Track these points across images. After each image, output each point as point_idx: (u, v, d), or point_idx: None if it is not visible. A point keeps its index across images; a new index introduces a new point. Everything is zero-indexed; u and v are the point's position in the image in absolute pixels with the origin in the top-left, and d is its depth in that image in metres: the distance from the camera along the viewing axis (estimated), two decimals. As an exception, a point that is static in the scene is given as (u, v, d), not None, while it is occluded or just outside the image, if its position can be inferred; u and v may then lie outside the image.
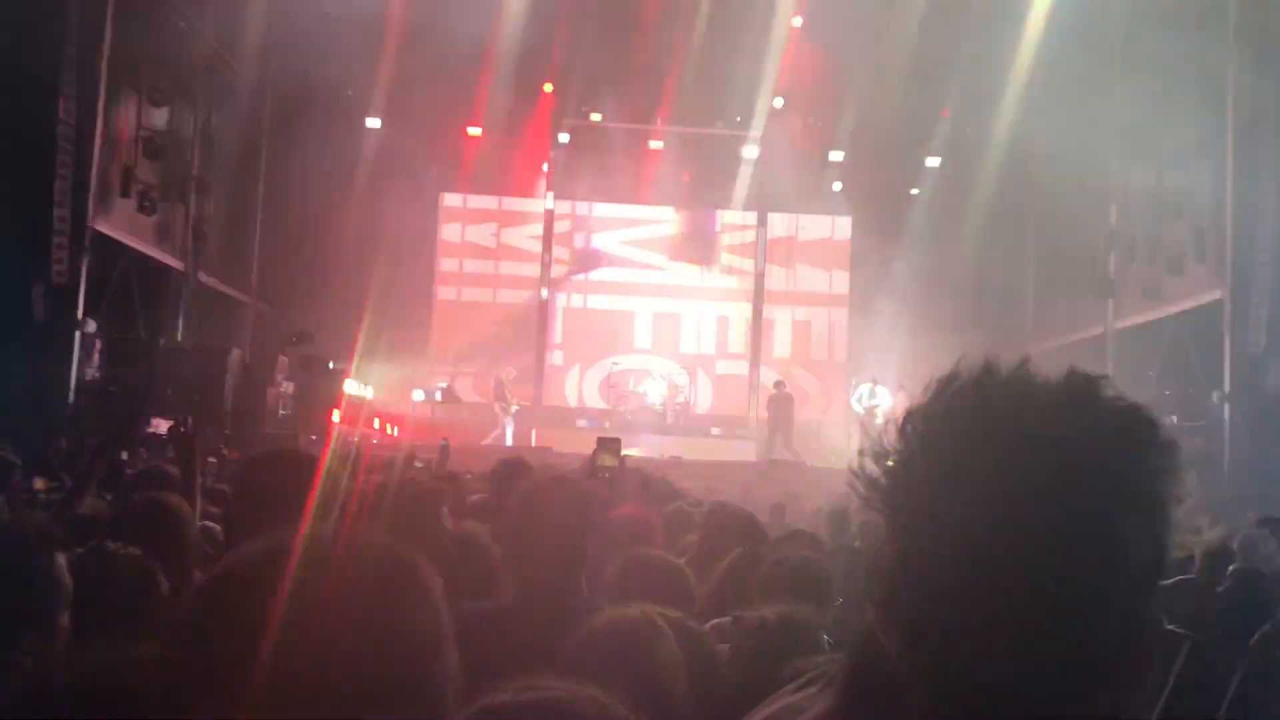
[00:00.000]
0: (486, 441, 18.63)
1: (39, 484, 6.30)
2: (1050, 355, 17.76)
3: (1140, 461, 0.91)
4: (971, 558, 0.88)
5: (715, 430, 21.41)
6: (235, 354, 16.88)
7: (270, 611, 0.96)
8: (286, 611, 0.96)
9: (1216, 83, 15.20)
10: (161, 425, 11.25)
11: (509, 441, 18.81)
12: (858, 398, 19.06)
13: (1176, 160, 16.82)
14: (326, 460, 2.29)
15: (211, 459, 9.90)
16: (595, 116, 21.97)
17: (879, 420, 17.99)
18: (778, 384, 19.73)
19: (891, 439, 0.95)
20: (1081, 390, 0.93)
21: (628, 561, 3.22)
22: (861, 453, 0.96)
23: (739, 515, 4.42)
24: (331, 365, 17.33)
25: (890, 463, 0.95)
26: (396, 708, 0.98)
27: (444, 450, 9.13)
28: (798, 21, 20.11)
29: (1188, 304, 16.12)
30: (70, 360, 14.12)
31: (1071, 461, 0.89)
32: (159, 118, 16.76)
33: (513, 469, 5.15)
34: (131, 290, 16.29)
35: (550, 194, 22.86)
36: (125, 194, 15.65)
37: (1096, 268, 18.92)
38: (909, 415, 0.95)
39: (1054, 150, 20.43)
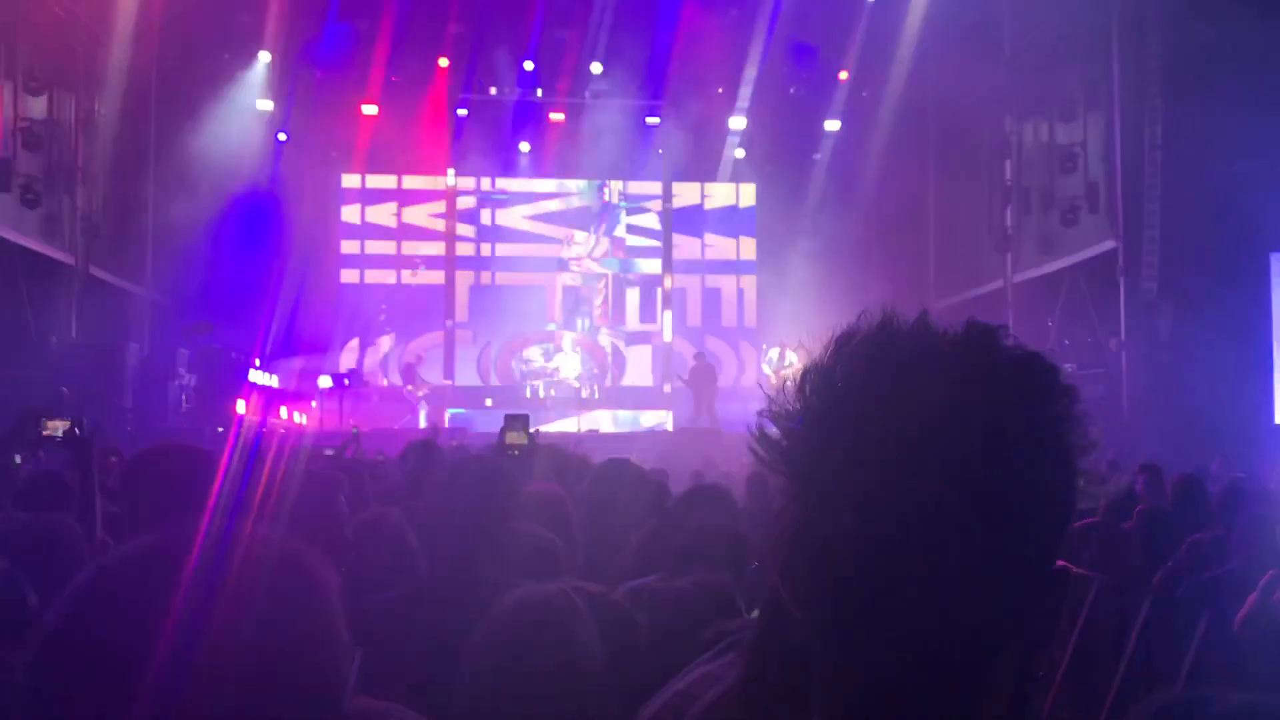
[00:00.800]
0: (398, 426, 18.44)
1: None
2: (952, 310, 18.17)
3: (1042, 408, 0.90)
4: (874, 514, 0.86)
5: (628, 404, 21.45)
6: (132, 348, 16.40)
7: (149, 614, 0.91)
8: (167, 613, 0.91)
9: (1102, 35, 15.56)
10: (58, 427, 10.88)
11: (422, 424, 18.63)
12: (768, 361, 19.26)
13: (1066, 113, 17.22)
14: (230, 453, 2.22)
15: (113, 458, 9.61)
16: (493, 90, 21.70)
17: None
18: (698, 355, 19.84)
19: (790, 398, 0.92)
20: (980, 340, 0.92)
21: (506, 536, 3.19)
22: (760, 413, 0.93)
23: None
24: (234, 355, 16.93)
25: (789, 422, 0.92)
26: (286, 708, 0.93)
27: (355, 438, 9.02)
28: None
29: (1083, 255, 16.54)
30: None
31: (972, 411, 0.87)
32: (36, 106, 16.14)
33: (421, 451, 5.08)
34: (19, 286, 15.71)
35: (451, 171, 22.59)
36: (6, 188, 15.07)
37: (993, 222, 19.30)
38: (806, 372, 0.93)
39: (949, 107, 20.83)
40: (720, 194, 23.53)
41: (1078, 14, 16.22)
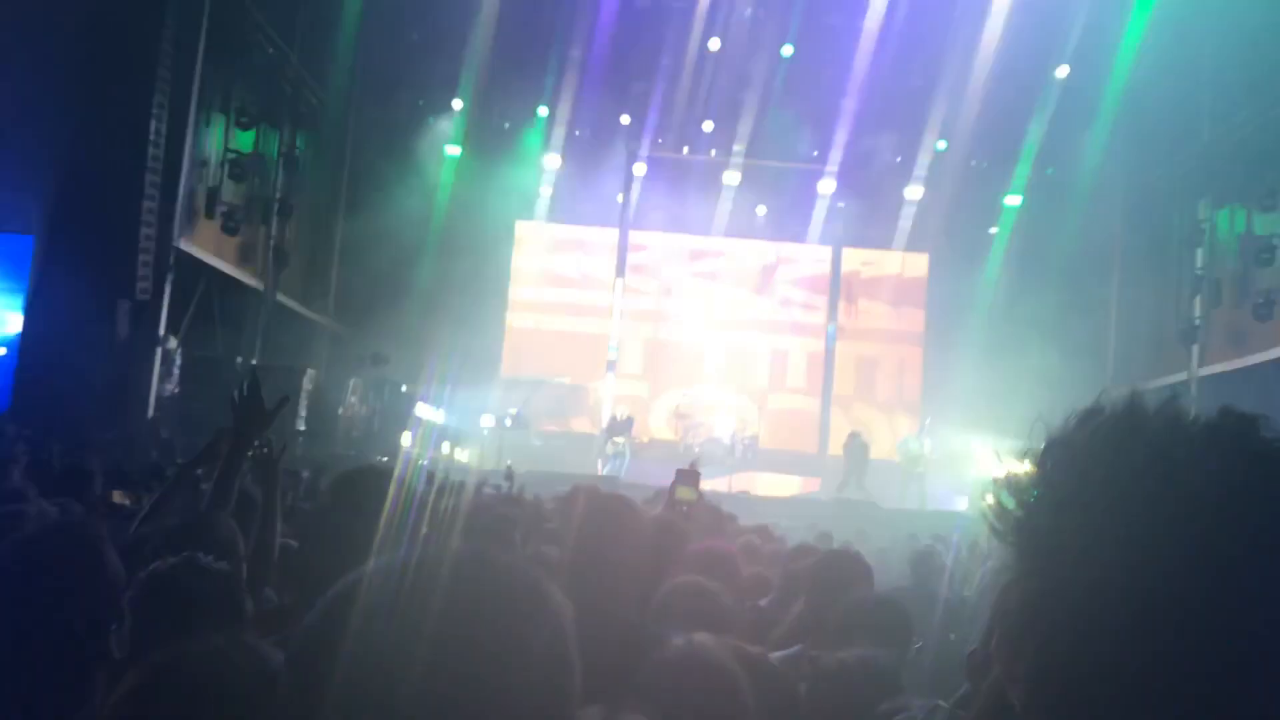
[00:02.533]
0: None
1: (117, 496, 6.34)
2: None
3: None
4: (1113, 601, 0.83)
5: (778, 465, 21.20)
6: (309, 374, 17.11)
7: (401, 631, 0.93)
8: (419, 632, 0.93)
9: None
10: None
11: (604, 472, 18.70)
12: (902, 445, 18.95)
13: (1265, 202, 16.42)
14: (405, 480, 2.27)
15: (288, 476, 10.00)
16: (673, 148, 22.07)
17: (920, 470, 17.99)
18: (853, 434, 19.63)
19: (1029, 472, 0.90)
20: (1238, 429, 0.88)
21: (674, 587, 3.16)
22: (996, 483, 0.91)
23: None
24: (404, 388, 17.49)
25: (1027, 496, 0.90)
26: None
27: (509, 473, 9.15)
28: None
29: (1276, 351, 15.67)
30: (150, 375, 14.41)
31: (1228, 500, 0.83)
32: (245, 140, 17.14)
33: (582, 494, 5.11)
34: (212, 308, 16.61)
35: (625, 225, 22.99)
36: (210, 214, 16.00)
37: (1181, 312, 18.50)
38: (1049, 447, 0.90)
39: (1139, 189, 20.15)
40: (887, 262, 23.25)
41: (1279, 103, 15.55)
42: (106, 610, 2.10)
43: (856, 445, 18.93)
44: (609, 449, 19.98)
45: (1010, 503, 0.91)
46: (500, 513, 3.35)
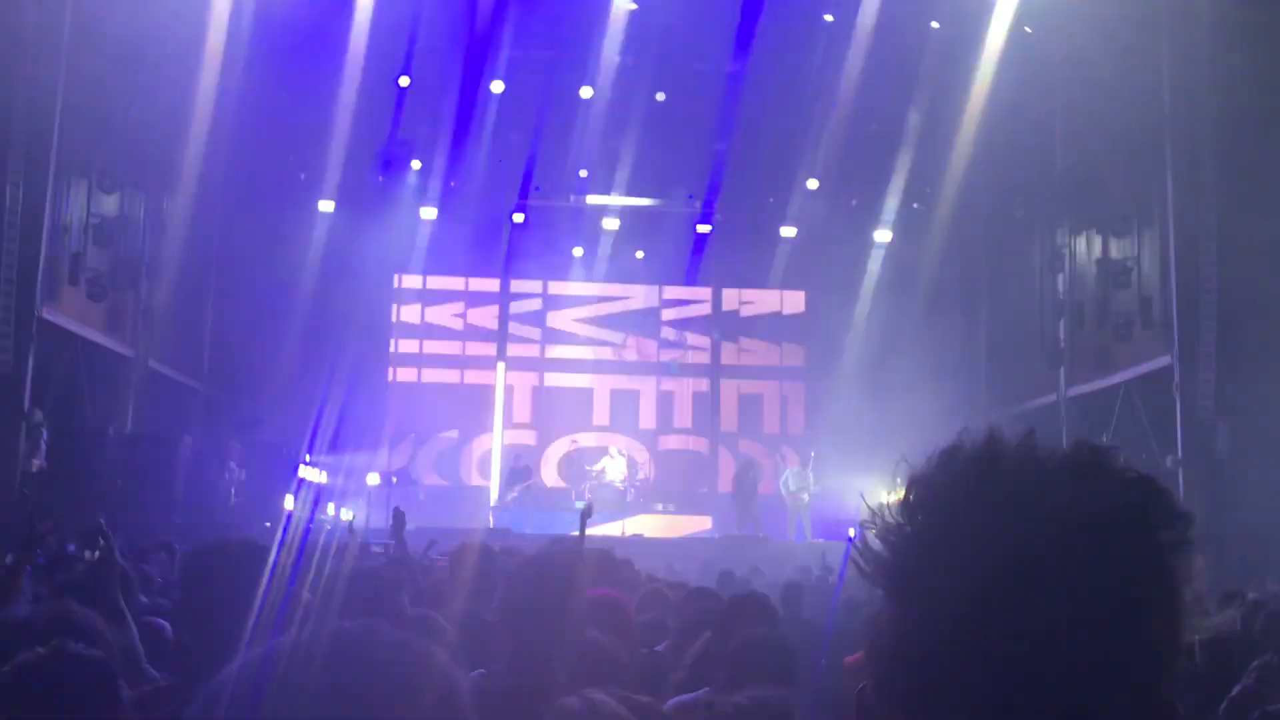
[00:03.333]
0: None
1: None
2: (1006, 423, 18.01)
3: (1152, 534, 0.89)
4: (978, 633, 0.85)
5: (669, 506, 21.26)
6: (186, 441, 16.62)
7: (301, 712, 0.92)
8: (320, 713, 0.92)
9: (1154, 151, 15.61)
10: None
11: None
12: (784, 482, 19.33)
13: (1119, 228, 17.21)
14: (281, 551, 2.23)
15: (162, 552, 9.67)
16: (548, 197, 22.14)
17: (807, 498, 18.34)
18: (742, 469, 19.88)
19: (894, 512, 0.93)
20: (1090, 461, 0.92)
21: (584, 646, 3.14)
22: (863, 525, 0.94)
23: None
24: (284, 450, 17.09)
25: (892, 536, 0.92)
26: None
27: (398, 518, 8.93)
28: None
29: (1138, 370, 16.36)
30: (16, 451, 13.82)
31: (1082, 534, 0.87)
32: (109, 204, 16.67)
33: (471, 553, 5.07)
34: (80, 378, 16.04)
35: (505, 274, 22.96)
36: (74, 281, 15.49)
37: (1046, 336, 19.21)
38: (911, 486, 0.93)
39: (1000, 220, 20.92)
40: (766, 301, 23.64)
41: (1129, 131, 16.33)
42: None
43: (747, 481, 19.17)
44: (509, 498, 19.82)
45: (876, 543, 0.93)
46: (386, 576, 3.30)
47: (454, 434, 22.63)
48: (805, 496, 18.91)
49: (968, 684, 0.86)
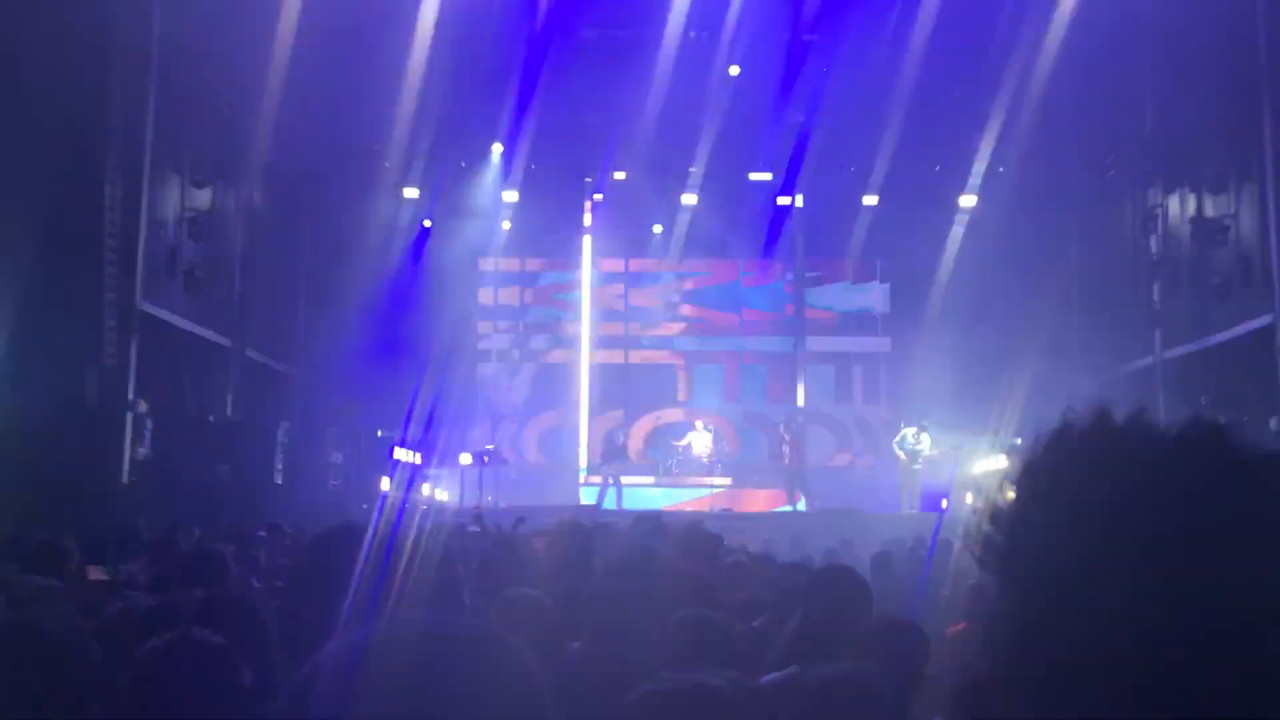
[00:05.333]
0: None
1: (93, 574, 6.17)
2: (1101, 388, 17.59)
3: None
4: (1097, 624, 0.83)
5: (756, 480, 21.22)
6: (284, 427, 17.04)
7: (382, 704, 0.95)
8: (399, 705, 0.95)
9: (1251, 105, 15.09)
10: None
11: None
12: (900, 441, 18.88)
13: (1215, 185, 16.68)
14: (378, 533, 2.29)
15: (262, 533, 9.96)
16: (621, 175, 22.17)
17: (918, 466, 18.06)
18: (785, 426, 19.88)
19: (1006, 497, 0.91)
20: (1210, 437, 0.89)
21: (680, 621, 3.17)
22: (977, 512, 0.93)
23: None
24: (380, 433, 17.45)
25: (1006, 522, 0.91)
26: None
27: (477, 516, 9.22)
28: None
29: (1237, 330, 15.88)
30: (123, 441, 14.31)
31: (1208, 513, 0.84)
32: (202, 199, 17.10)
33: (574, 533, 5.17)
34: (181, 369, 16.52)
35: (588, 253, 23.08)
36: (172, 275, 15.94)
37: (1140, 298, 18.73)
38: (1025, 473, 0.91)
39: (1090, 182, 20.41)
40: (848, 269, 23.41)
41: (1223, 86, 15.81)
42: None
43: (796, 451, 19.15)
44: (601, 476, 19.92)
45: (991, 532, 0.91)
46: (488, 557, 3.39)
47: (542, 413, 22.87)
48: (916, 465, 18.56)
49: (1095, 674, 0.83)
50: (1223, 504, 0.84)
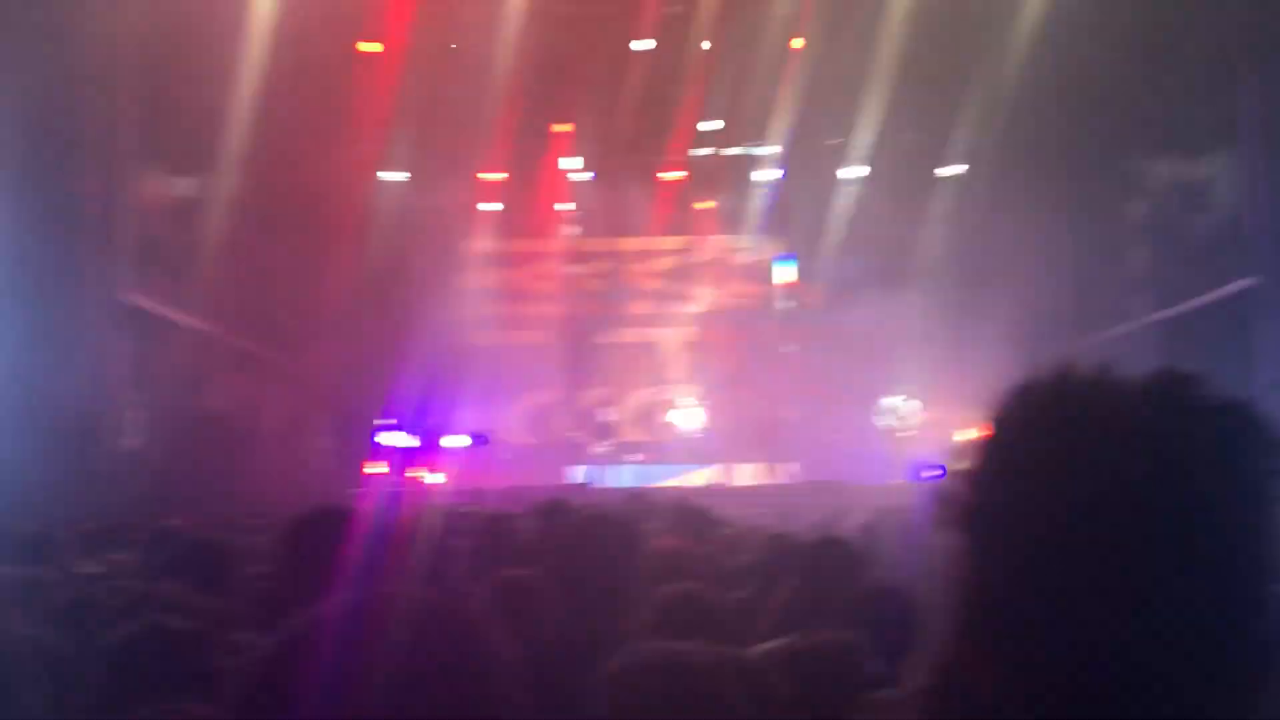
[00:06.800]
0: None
1: (84, 565, 6.12)
2: (1088, 352, 17.64)
3: (1243, 460, 0.85)
4: (1067, 573, 0.83)
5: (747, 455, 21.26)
6: (272, 413, 16.99)
7: (343, 673, 0.95)
8: (359, 673, 0.95)
9: (1232, 68, 15.09)
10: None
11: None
12: (885, 411, 19.00)
13: (1196, 149, 16.70)
14: (363, 514, 2.30)
15: (261, 519, 9.95)
16: (611, 152, 22.10)
17: (906, 435, 18.05)
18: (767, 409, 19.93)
19: (970, 453, 0.91)
20: (1174, 389, 0.89)
21: (666, 597, 3.18)
22: (938, 468, 0.94)
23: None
24: (369, 417, 17.43)
25: (971, 478, 0.91)
26: None
27: (476, 496, 9.28)
28: (799, 43, 20.21)
29: (1220, 293, 15.93)
30: (113, 433, 14.26)
31: (1171, 463, 0.84)
32: (184, 186, 16.99)
33: (554, 508, 5.19)
34: (168, 358, 16.40)
35: (573, 232, 23.03)
36: (156, 264, 15.81)
37: (1127, 262, 18.76)
38: (989, 428, 0.91)
39: (1073, 145, 20.39)
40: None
41: (1204, 49, 15.78)
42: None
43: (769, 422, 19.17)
44: (593, 454, 19.99)
45: (960, 493, 0.91)
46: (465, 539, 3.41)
47: (535, 393, 22.82)
48: (905, 434, 18.59)
49: (1061, 627, 0.84)
50: (1185, 451, 0.84)
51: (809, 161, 21.85)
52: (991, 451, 0.91)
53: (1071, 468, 0.85)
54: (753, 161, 22.03)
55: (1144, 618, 0.82)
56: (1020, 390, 0.92)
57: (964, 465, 0.92)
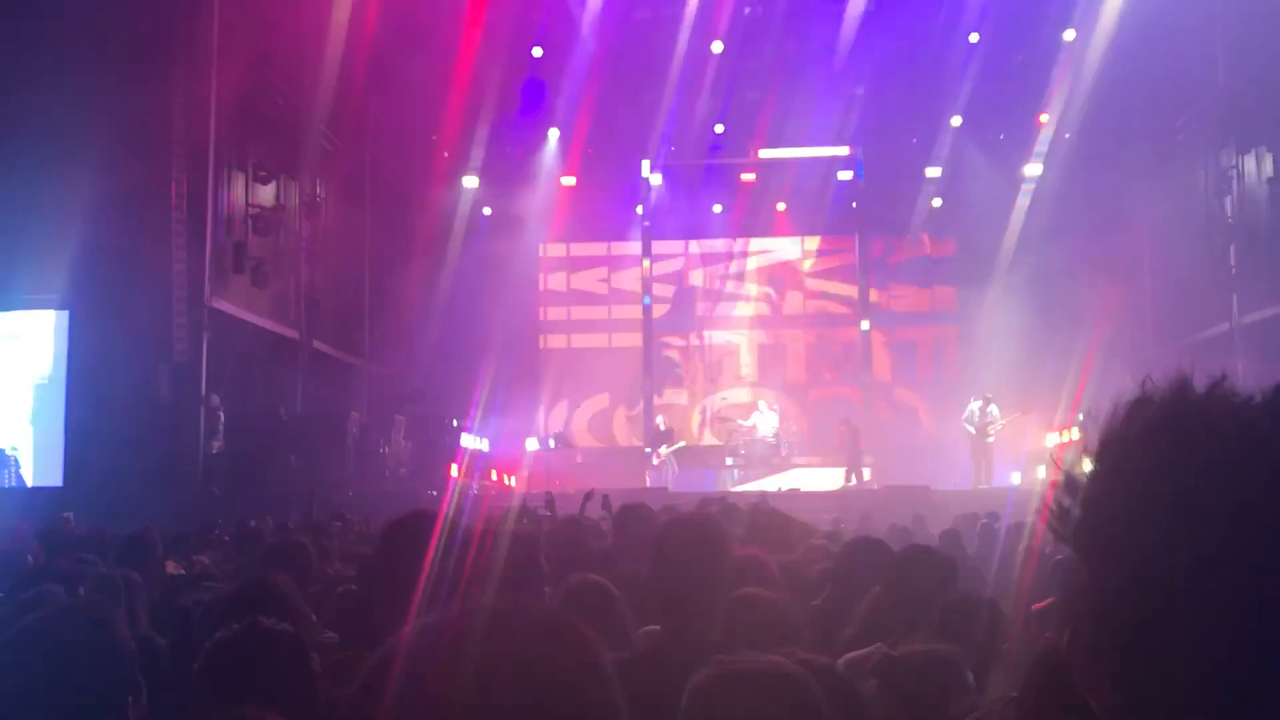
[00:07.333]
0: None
1: (170, 566, 6.26)
2: (1174, 356, 17.20)
3: None
4: (1186, 595, 0.82)
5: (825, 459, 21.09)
6: (353, 417, 17.25)
7: (453, 688, 0.95)
8: (469, 689, 0.95)
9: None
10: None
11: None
12: (969, 416, 18.63)
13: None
14: (448, 519, 2.31)
15: (337, 522, 10.10)
16: (684, 155, 22.13)
17: (991, 439, 17.78)
18: (844, 420, 19.66)
19: (1083, 469, 0.89)
20: None
21: (735, 602, 3.13)
22: (1054, 485, 0.91)
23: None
24: (447, 421, 17.63)
25: (1085, 495, 0.89)
26: None
27: (549, 501, 9.31)
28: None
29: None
30: (197, 436, 14.59)
31: None
32: (266, 194, 17.34)
33: (633, 514, 5.17)
34: (251, 362, 16.79)
35: (646, 235, 23.06)
36: (239, 270, 16.18)
37: (1216, 262, 18.26)
38: (1104, 444, 0.89)
39: (1160, 146, 19.93)
40: (912, 244, 23.11)
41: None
42: (119, 685, 2.15)
43: (848, 432, 18.98)
44: (654, 460, 20.06)
45: (1070, 505, 0.89)
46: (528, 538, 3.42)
47: (605, 397, 22.94)
48: (988, 438, 18.29)
49: (1181, 649, 0.82)
50: None
51: (886, 159, 21.62)
52: (1108, 465, 0.88)
53: (1192, 487, 0.83)
54: (833, 162, 21.88)
55: (1263, 646, 0.80)
56: (1136, 404, 0.89)
57: (1071, 476, 0.90)
